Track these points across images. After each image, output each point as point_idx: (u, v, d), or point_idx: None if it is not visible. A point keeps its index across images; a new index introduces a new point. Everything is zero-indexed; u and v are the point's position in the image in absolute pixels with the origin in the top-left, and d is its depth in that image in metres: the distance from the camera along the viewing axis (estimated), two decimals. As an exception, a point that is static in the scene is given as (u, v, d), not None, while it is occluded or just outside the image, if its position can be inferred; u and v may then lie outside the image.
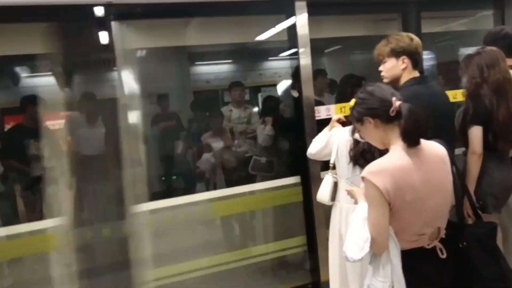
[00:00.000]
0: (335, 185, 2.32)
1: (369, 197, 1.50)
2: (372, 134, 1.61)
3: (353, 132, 2.16)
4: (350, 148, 2.20)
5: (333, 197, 2.32)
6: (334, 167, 2.35)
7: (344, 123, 2.39)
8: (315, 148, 2.40)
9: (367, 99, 1.58)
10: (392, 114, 1.52)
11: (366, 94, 1.60)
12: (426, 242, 1.57)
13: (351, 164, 2.22)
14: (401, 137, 1.52)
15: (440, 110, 2.10)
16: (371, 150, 2.04)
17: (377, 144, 1.64)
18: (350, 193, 1.77)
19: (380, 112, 1.54)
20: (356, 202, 1.66)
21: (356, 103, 1.63)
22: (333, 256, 2.37)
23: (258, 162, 3.60)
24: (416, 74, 2.17)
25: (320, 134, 2.44)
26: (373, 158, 1.69)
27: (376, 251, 1.51)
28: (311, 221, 2.96)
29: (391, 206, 1.48)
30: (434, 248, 1.59)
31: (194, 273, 2.92)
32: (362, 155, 2.14)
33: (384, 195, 1.45)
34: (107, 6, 2.47)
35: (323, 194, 2.34)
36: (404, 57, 2.13)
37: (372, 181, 1.46)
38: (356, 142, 2.15)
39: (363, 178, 1.51)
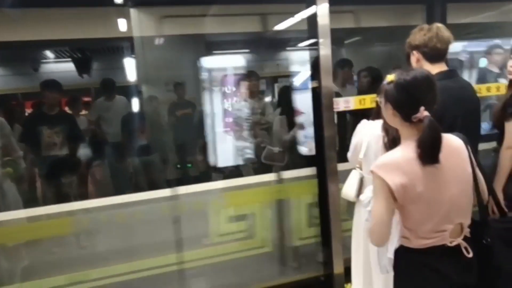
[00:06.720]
0: (361, 181, 2.25)
1: (376, 190, 1.48)
2: (388, 117, 1.56)
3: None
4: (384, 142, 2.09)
5: (358, 193, 2.26)
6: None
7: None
8: (349, 152, 2.33)
9: (399, 91, 1.48)
10: (414, 121, 1.47)
11: (401, 86, 1.48)
12: (448, 240, 1.50)
13: None
14: (416, 152, 1.45)
15: (468, 103, 2.05)
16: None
17: (389, 124, 1.60)
18: None
19: (402, 111, 1.49)
20: None
21: (392, 82, 1.50)
22: (357, 255, 2.32)
23: (271, 151, 3.58)
24: (443, 68, 2.10)
25: None
26: None
27: (376, 242, 1.52)
28: (326, 213, 2.93)
29: (402, 201, 1.45)
30: (458, 246, 1.52)
31: (214, 259, 2.99)
32: (394, 143, 2.06)
33: (393, 191, 1.42)
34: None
35: (349, 190, 2.26)
36: (414, 51, 2.08)
37: (380, 176, 1.44)
38: (386, 131, 2.06)
39: (371, 171, 1.48)
